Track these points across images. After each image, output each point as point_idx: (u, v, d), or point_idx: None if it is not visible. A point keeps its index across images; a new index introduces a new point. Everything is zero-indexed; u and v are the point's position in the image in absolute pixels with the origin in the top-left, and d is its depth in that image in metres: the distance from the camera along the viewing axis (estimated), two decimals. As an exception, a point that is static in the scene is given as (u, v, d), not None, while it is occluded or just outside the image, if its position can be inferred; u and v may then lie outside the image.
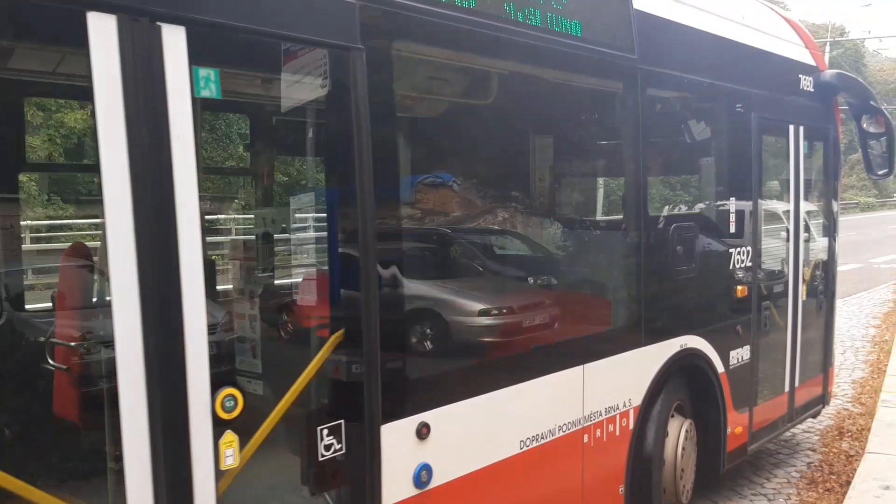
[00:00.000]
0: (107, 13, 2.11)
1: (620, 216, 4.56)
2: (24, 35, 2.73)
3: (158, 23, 2.23)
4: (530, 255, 4.73)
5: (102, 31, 2.11)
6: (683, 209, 5.44)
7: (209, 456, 2.38)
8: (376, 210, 2.87)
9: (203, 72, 2.42)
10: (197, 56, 2.34)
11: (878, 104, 6.51)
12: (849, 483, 5.44)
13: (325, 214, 3.07)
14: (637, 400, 4.42)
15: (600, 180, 5.28)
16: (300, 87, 2.95)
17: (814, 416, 6.75)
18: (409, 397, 3.11)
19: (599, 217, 4.98)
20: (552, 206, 5.04)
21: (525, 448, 3.67)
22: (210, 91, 2.46)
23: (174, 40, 2.27)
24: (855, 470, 5.63)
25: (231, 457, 2.47)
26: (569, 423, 3.94)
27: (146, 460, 2.23)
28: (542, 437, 3.78)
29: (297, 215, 3.21)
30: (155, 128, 2.23)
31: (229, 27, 2.47)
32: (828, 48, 56.38)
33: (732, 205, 5.34)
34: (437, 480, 3.21)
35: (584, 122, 4.72)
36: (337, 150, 2.95)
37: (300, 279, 3.43)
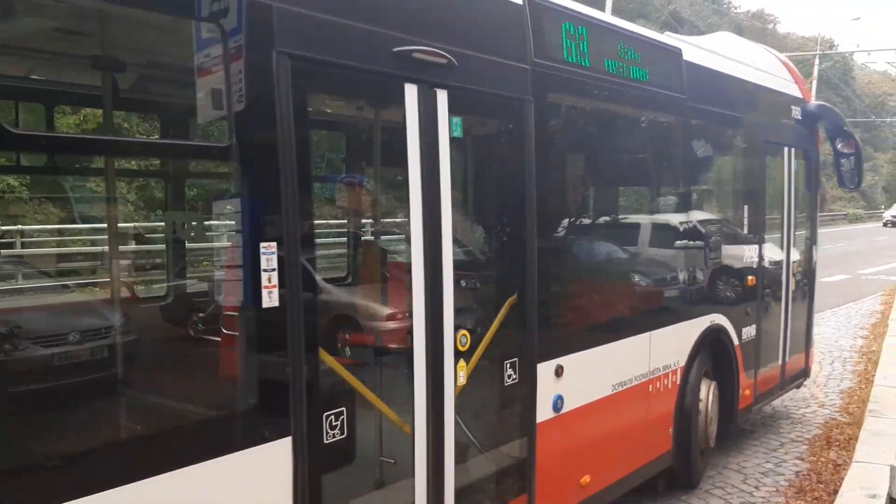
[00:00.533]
0: (413, 83, 3.49)
1: (676, 218, 6.06)
2: (350, 94, 4.02)
3: (435, 88, 3.58)
4: (622, 250, 5.93)
5: (411, 94, 3.48)
6: (712, 214, 6.97)
7: (452, 374, 3.68)
8: (539, 215, 4.20)
9: (455, 119, 3.67)
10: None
11: (850, 130, 7.92)
12: (836, 492, 5.49)
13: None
14: (682, 362, 5.78)
15: (662, 189, 6.44)
16: (494, 124, 4.36)
17: (797, 388, 8.11)
18: (552, 345, 4.41)
19: (662, 220, 6.24)
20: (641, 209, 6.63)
21: (615, 391, 5.02)
22: (457, 132, 3.70)
23: (442, 99, 3.60)
24: (842, 479, 5.68)
25: (462, 377, 3.78)
26: (640, 374, 5.30)
27: (423, 378, 3.55)
28: (625, 384, 5.13)
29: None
30: (433, 153, 3.56)
31: (467, 89, 3.77)
32: (817, 61, 56.87)
33: (746, 211, 6.87)
34: (566, 408, 4.48)
35: (652, 145, 5.99)
36: (514, 169, 4.20)
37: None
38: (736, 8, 72.93)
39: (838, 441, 6.95)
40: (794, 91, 7.63)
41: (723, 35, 8.02)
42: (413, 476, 3.59)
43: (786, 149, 7.27)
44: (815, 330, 10.58)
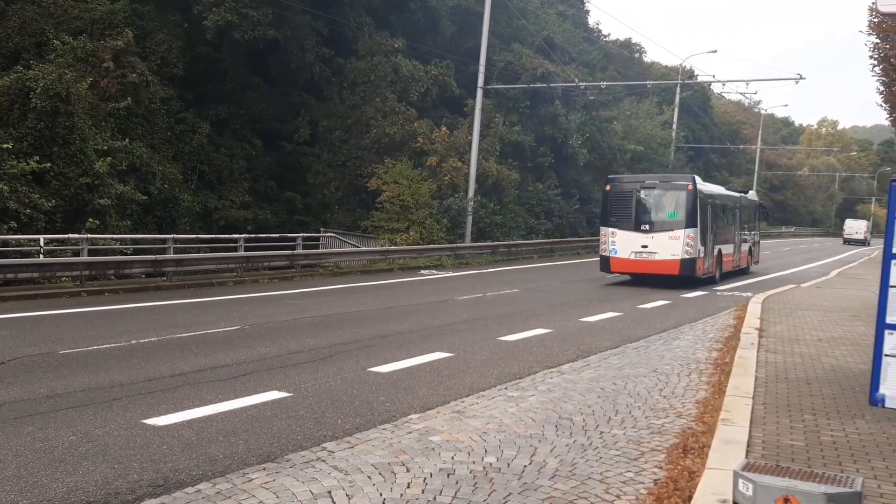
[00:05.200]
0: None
1: (749, 230, 34.21)
2: None
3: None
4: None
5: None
6: (754, 230, 34.93)
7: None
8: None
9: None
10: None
11: (763, 203, 41.51)
12: (690, 498, 5.73)
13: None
14: (744, 249, 33.76)
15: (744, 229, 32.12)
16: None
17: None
18: (719, 244, 28.10)
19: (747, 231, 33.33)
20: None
21: (730, 250, 29.82)
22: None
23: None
24: (696, 485, 5.93)
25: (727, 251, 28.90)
26: (736, 250, 31.47)
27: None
28: (732, 250, 30.23)
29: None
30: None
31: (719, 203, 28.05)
32: (678, 89, 60.37)
33: (749, 235, 33.41)
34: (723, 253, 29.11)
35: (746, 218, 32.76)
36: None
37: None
38: (605, 36, 76.23)
39: (693, 449, 7.26)
40: (756, 198, 36.92)
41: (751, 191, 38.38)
42: None
43: (757, 211, 35.38)
44: (675, 343, 13.79)
